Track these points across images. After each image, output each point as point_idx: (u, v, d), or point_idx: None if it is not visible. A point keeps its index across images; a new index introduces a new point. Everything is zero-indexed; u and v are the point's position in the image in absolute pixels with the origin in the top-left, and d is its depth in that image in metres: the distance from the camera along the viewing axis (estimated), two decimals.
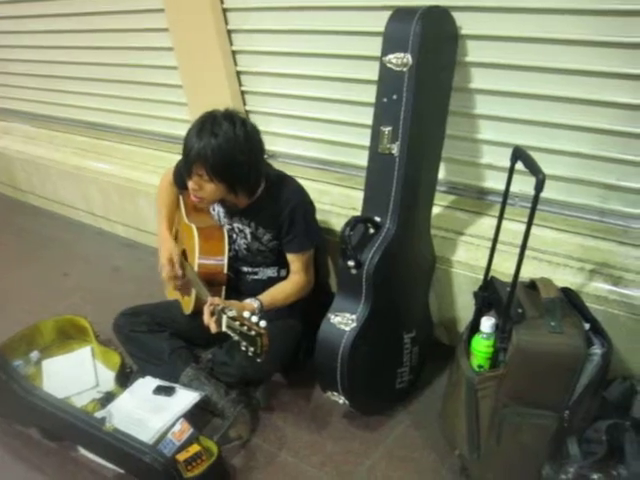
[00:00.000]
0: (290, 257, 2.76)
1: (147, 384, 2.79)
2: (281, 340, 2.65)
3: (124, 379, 2.97)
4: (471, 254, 2.67)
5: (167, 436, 2.47)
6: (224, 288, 2.78)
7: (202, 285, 2.62)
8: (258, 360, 2.26)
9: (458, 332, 2.79)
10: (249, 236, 2.79)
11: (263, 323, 2.22)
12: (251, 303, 2.56)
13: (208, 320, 2.39)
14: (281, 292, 2.72)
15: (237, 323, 2.24)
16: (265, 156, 2.69)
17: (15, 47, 4.97)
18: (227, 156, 2.44)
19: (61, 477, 2.62)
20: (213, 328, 2.37)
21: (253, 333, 2.20)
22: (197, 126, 2.49)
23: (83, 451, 2.67)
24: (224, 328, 2.31)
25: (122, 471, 2.54)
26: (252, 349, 2.21)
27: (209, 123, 2.47)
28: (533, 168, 1.85)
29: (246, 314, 2.27)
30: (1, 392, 2.73)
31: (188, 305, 2.88)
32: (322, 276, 3.03)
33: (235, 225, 2.81)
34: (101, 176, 4.44)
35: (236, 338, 2.25)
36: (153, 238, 3.21)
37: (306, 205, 2.73)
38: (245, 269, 2.89)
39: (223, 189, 2.54)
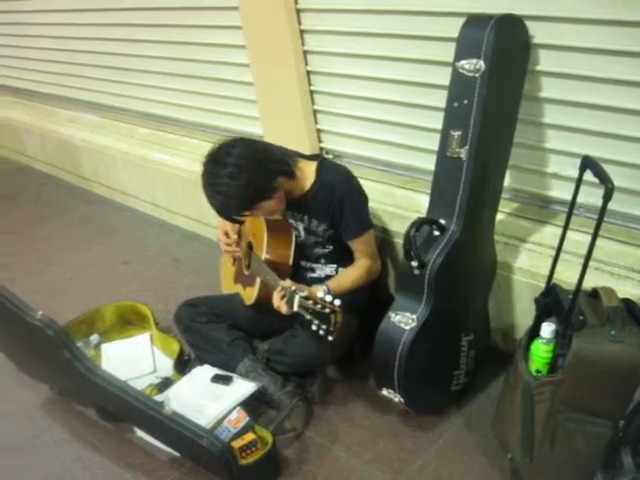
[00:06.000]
0: (351, 244, 2.79)
1: (205, 372, 2.85)
2: None
3: (182, 366, 3.03)
4: (533, 261, 2.66)
5: (223, 423, 2.51)
6: (288, 280, 2.80)
7: (270, 271, 2.66)
8: (330, 338, 2.31)
9: (515, 339, 2.79)
10: (302, 232, 2.84)
11: (338, 301, 2.28)
12: (317, 288, 2.57)
13: (278, 303, 2.44)
14: (348, 276, 2.76)
15: (310, 302, 2.30)
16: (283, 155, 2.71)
17: (83, 39, 5.09)
18: (238, 197, 2.50)
19: (116, 457, 2.68)
20: (284, 309, 2.42)
21: (327, 310, 2.26)
22: (203, 186, 2.56)
23: (140, 433, 2.73)
24: (296, 308, 2.36)
25: (178, 454, 2.60)
26: (324, 327, 2.27)
27: (207, 182, 2.53)
28: (602, 177, 1.86)
29: (320, 294, 2.34)
30: (64, 370, 2.77)
31: (250, 296, 2.92)
32: (381, 275, 3.04)
33: (290, 221, 2.86)
34: (166, 168, 4.53)
35: (308, 317, 2.30)
36: (214, 231, 3.26)
37: (353, 191, 2.75)
38: (302, 263, 2.93)
39: (265, 203, 2.58)
